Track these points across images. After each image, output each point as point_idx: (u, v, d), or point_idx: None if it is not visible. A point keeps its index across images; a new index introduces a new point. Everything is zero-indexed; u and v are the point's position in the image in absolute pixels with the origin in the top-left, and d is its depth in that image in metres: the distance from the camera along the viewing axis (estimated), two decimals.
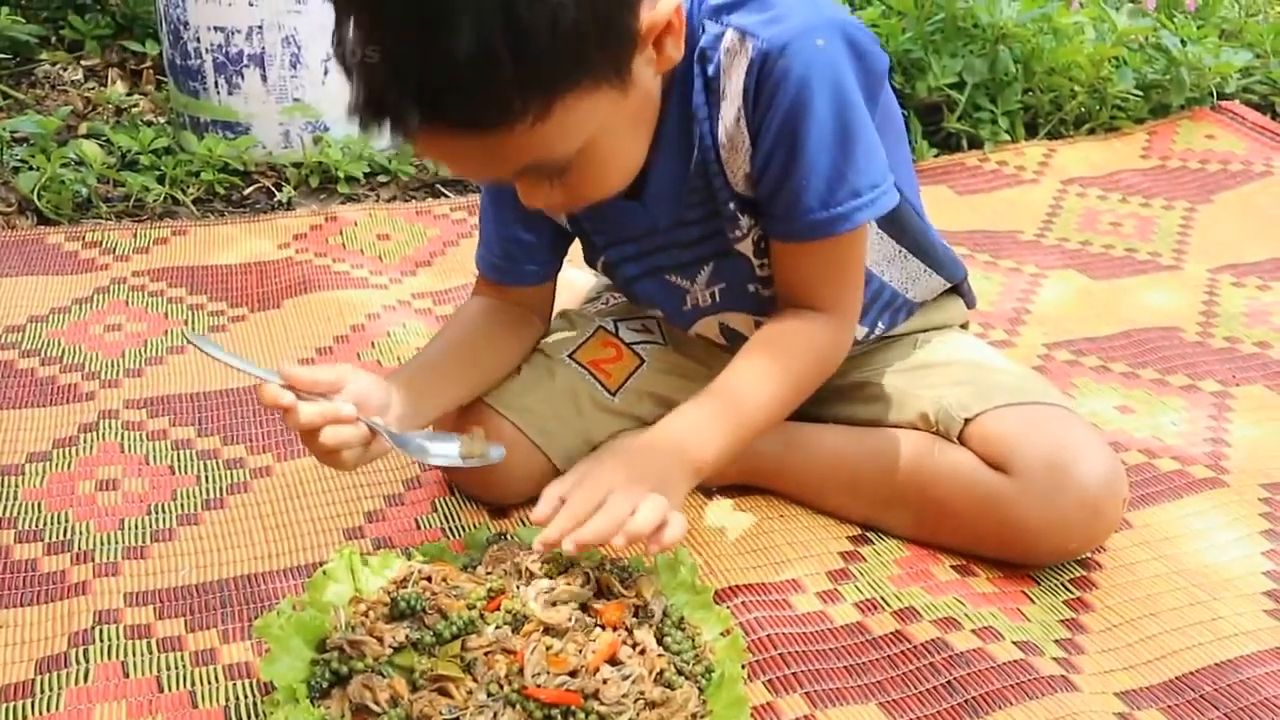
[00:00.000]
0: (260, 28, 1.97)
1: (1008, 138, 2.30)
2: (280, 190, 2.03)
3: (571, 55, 0.83)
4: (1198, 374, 1.51)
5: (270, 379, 0.95)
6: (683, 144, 1.04)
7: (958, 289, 1.30)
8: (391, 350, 1.53)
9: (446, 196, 2.06)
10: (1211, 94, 2.45)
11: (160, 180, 2.01)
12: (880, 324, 1.22)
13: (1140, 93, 2.38)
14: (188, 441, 1.33)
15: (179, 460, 1.29)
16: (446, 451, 1.03)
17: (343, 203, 2.01)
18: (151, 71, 2.49)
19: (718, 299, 1.17)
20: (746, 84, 0.98)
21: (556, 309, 1.30)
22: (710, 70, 1.00)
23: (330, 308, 1.65)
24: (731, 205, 1.07)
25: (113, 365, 1.49)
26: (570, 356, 1.24)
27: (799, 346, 1.08)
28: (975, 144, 2.29)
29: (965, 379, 1.17)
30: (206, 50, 2.01)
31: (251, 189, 2.04)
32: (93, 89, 2.44)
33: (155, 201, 1.96)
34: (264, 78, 2.01)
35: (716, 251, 1.13)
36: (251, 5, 1.95)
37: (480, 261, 1.22)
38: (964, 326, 1.34)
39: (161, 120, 2.29)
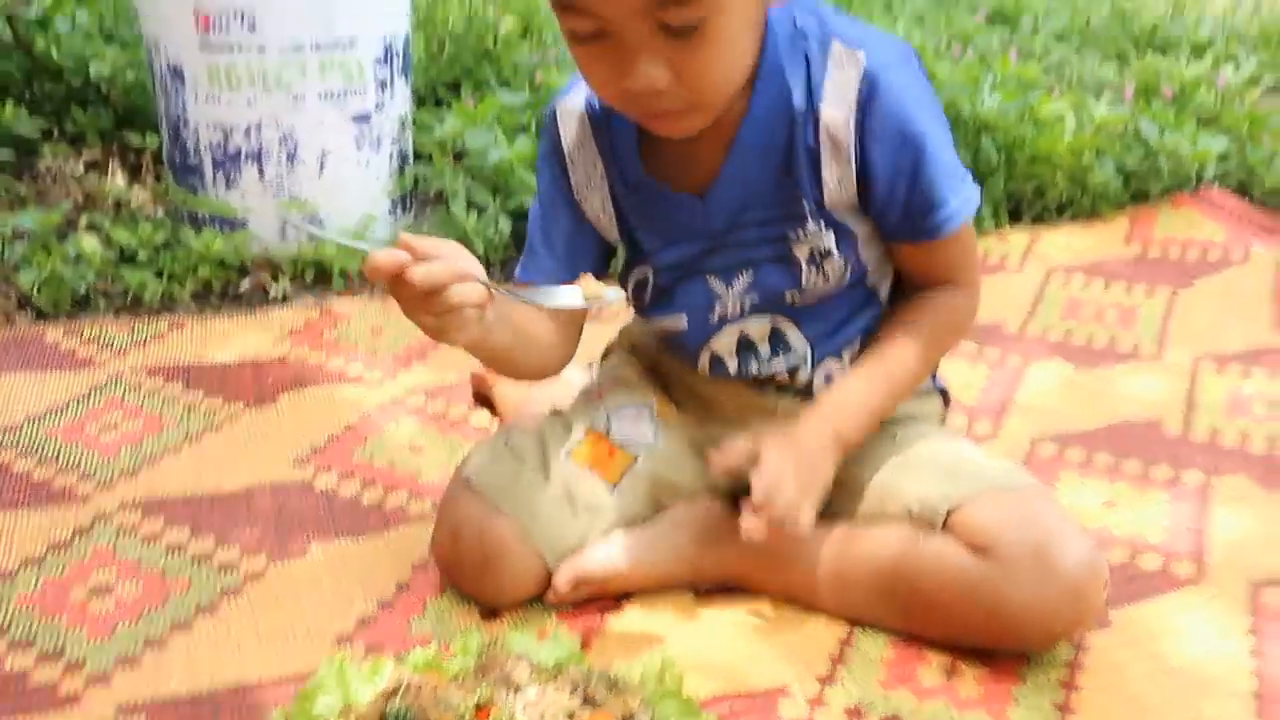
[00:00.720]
0: (259, 125, 2.01)
1: (992, 225, 2.34)
2: (276, 283, 2.06)
3: None
4: (1180, 467, 1.52)
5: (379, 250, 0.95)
6: (769, 143, 1.12)
7: (936, 386, 1.34)
8: (384, 449, 1.55)
9: None
10: (1191, 180, 2.49)
11: (158, 275, 2.04)
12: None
13: (1120, 180, 2.43)
14: (181, 545, 1.34)
15: (172, 563, 1.31)
16: (569, 296, 1.06)
17: (338, 295, 2.04)
18: (151, 163, 2.54)
19: (746, 309, 1.21)
20: (860, 91, 1.08)
21: (551, 406, 1.33)
22: (814, 75, 1.09)
23: (325, 405, 1.67)
24: (806, 203, 1.14)
25: (108, 465, 1.51)
26: (568, 455, 1.26)
27: (942, 311, 1.22)
28: None
29: (946, 472, 1.19)
30: (205, 147, 2.05)
31: (248, 283, 2.07)
32: (93, 182, 2.48)
33: (153, 297, 1.99)
34: (261, 173, 2.05)
35: (767, 257, 1.17)
36: (249, 105, 1.99)
37: (525, 270, 1.24)
38: (942, 422, 1.36)
39: (160, 212, 2.33)
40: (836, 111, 1.09)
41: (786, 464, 1.12)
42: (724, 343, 1.24)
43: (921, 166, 1.11)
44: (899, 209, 1.14)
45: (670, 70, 0.99)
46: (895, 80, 1.09)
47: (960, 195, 1.14)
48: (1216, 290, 2.10)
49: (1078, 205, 2.42)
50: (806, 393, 1.26)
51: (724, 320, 1.22)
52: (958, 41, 3.28)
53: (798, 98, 1.10)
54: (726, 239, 1.17)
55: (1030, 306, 2.05)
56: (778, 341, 1.23)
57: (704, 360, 1.26)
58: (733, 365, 1.26)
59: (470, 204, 2.21)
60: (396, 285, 0.95)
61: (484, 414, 1.67)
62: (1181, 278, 2.15)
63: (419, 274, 0.94)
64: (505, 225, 2.16)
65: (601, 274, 1.28)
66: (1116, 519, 1.41)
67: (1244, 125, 2.66)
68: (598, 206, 1.22)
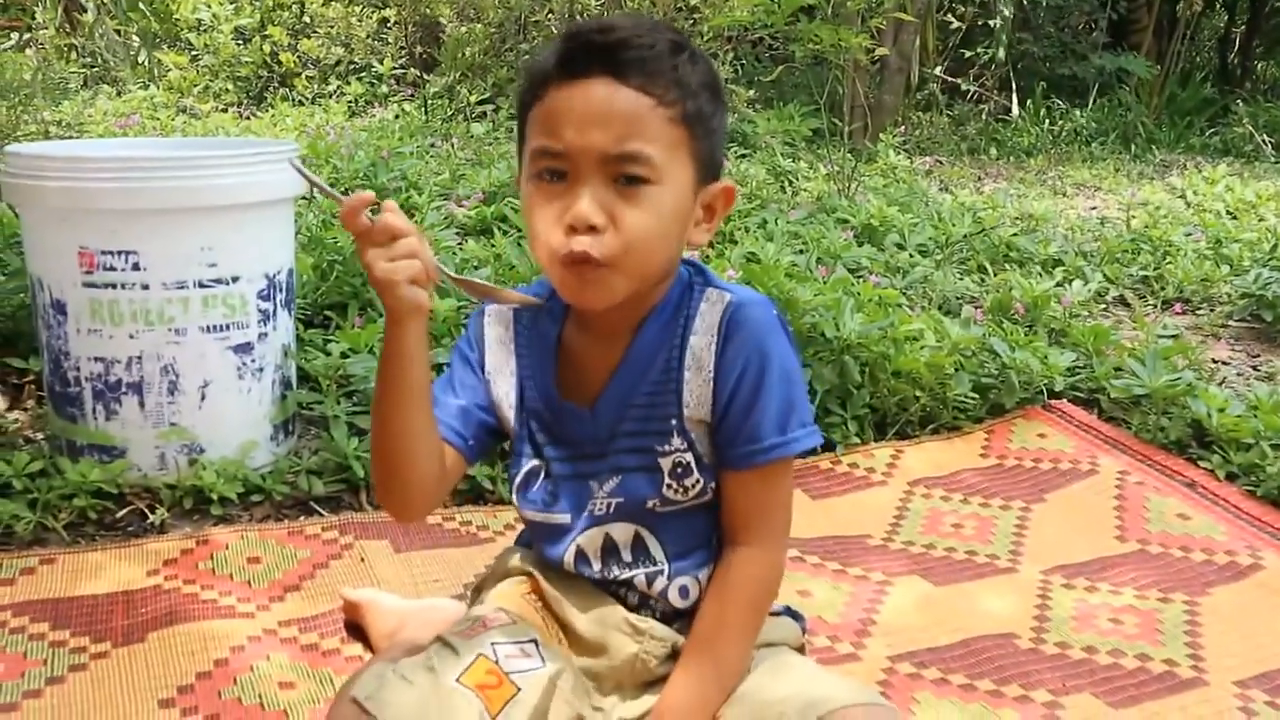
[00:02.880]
0: (140, 358, 2.05)
1: (858, 440, 2.45)
2: (154, 512, 2.06)
3: (705, 116, 1.19)
4: (1030, 684, 1.59)
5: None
6: (648, 367, 1.26)
7: (790, 611, 1.40)
8: (254, 687, 1.55)
9: (320, 515, 2.11)
10: (1044, 393, 2.65)
11: (32, 505, 2.03)
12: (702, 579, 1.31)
13: (977, 395, 2.57)
14: None
15: None
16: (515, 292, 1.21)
17: (215, 524, 2.04)
18: (33, 387, 2.54)
19: (611, 510, 1.29)
20: (721, 322, 1.24)
21: (433, 631, 1.35)
22: (692, 313, 1.26)
23: (195, 640, 1.66)
24: (673, 421, 1.25)
25: None
26: (458, 681, 1.28)
27: (754, 592, 1.27)
28: (828, 446, 2.43)
29: (806, 702, 1.23)
30: (86, 379, 2.08)
31: (124, 512, 2.07)
32: None
33: (25, 530, 1.98)
34: (141, 404, 2.08)
35: (636, 465, 1.28)
36: (132, 338, 2.04)
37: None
38: (800, 650, 1.41)
39: (40, 437, 2.33)
40: (702, 338, 1.24)
41: None
42: (590, 541, 1.31)
43: (759, 393, 1.22)
44: (729, 430, 1.24)
45: (608, 216, 1.15)
46: (754, 315, 1.24)
47: (787, 435, 1.24)
48: (1066, 502, 2.22)
49: (939, 418, 2.55)
50: (671, 615, 1.32)
51: (593, 516, 1.31)
52: (828, 259, 3.48)
53: (676, 331, 1.26)
54: (606, 447, 1.28)
55: (894, 520, 2.14)
56: (639, 550, 1.31)
57: (570, 555, 1.33)
58: (597, 565, 1.32)
59: (351, 427, 2.25)
60: (365, 234, 1.08)
61: (356, 646, 1.67)
62: (1034, 491, 2.27)
63: (389, 215, 1.08)
64: None
65: (484, 451, 1.35)
66: None
67: (1089, 339, 2.85)
68: (502, 393, 1.32)
